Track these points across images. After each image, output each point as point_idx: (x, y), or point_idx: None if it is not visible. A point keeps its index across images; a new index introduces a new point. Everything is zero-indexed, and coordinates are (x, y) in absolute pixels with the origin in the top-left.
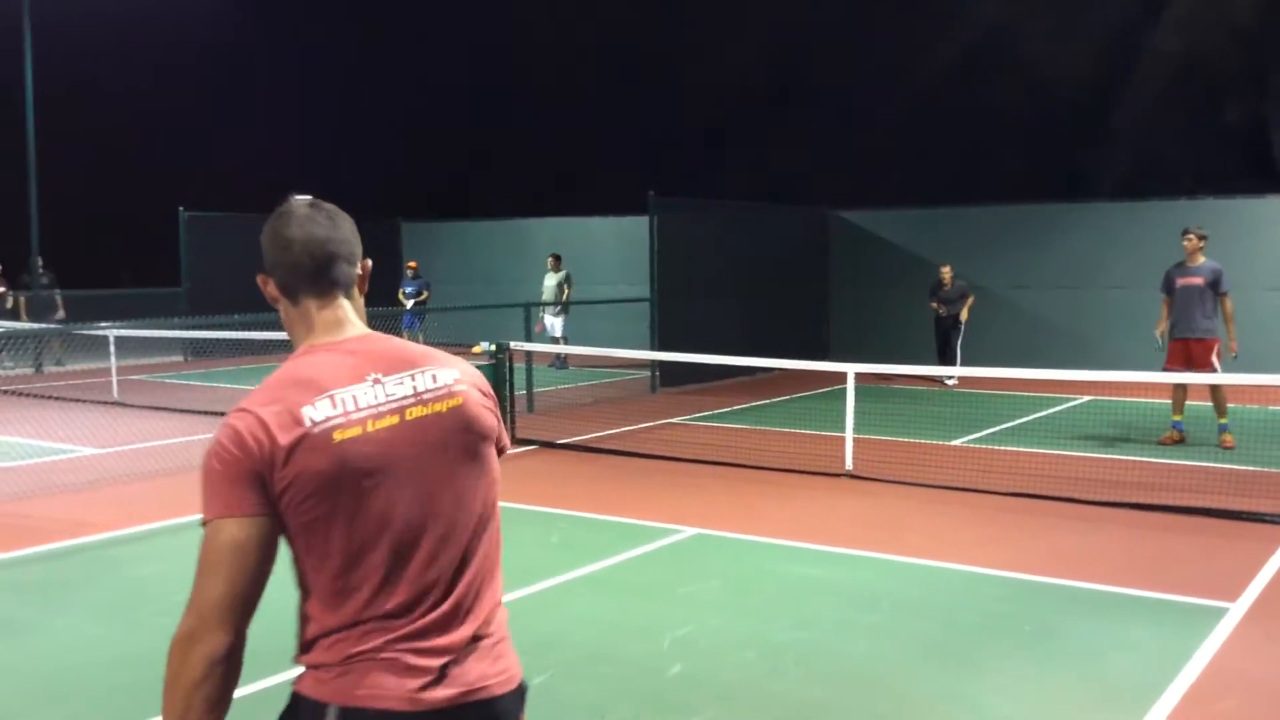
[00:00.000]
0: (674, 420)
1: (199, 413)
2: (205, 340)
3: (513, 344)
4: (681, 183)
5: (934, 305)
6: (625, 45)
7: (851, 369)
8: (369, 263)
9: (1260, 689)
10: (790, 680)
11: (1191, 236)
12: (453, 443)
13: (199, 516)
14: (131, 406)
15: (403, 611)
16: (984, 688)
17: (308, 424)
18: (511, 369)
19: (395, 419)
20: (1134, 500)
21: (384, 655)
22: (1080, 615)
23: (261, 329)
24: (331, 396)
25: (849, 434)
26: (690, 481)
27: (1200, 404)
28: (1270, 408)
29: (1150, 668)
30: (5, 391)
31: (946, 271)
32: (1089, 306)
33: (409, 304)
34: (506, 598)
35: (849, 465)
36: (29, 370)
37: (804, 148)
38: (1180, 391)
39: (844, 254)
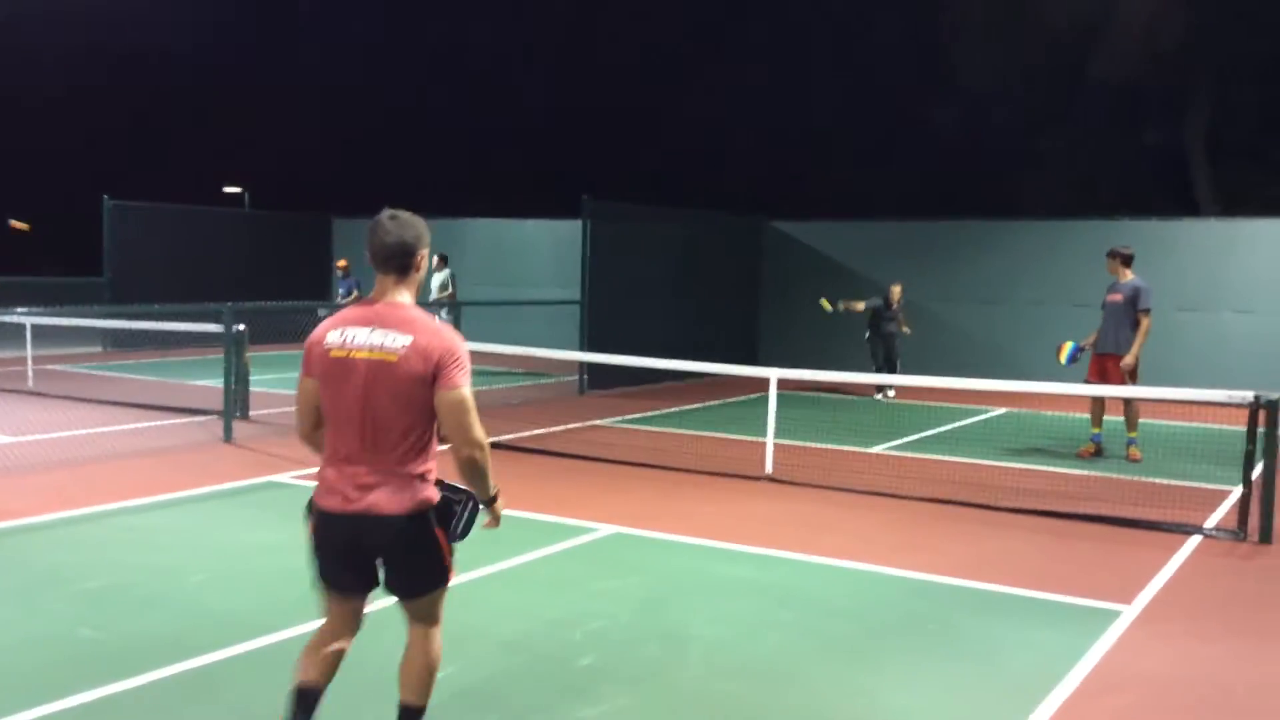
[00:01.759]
0: (600, 422)
1: (117, 404)
2: (125, 331)
3: None
4: (618, 187)
5: (851, 305)
6: (564, 44)
7: (775, 374)
8: (424, 253)
9: (1149, 685)
10: (698, 672)
11: (1115, 257)
12: (379, 377)
13: (116, 505)
14: (47, 396)
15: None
16: (886, 682)
17: (323, 342)
18: None
19: (360, 353)
20: (1043, 508)
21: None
22: (983, 615)
23: (184, 320)
24: (344, 331)
25: (770, 438)
26: (612, 482)
27: (1116, 418)
28: (1179, 423)
29: (1046, 665)
30: None
31: (897, 291)
32: (1008, 320)
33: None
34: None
35: (769, 469)
36: None
37: (742, 156)
38: (1098, 405)
39: (776, 263)
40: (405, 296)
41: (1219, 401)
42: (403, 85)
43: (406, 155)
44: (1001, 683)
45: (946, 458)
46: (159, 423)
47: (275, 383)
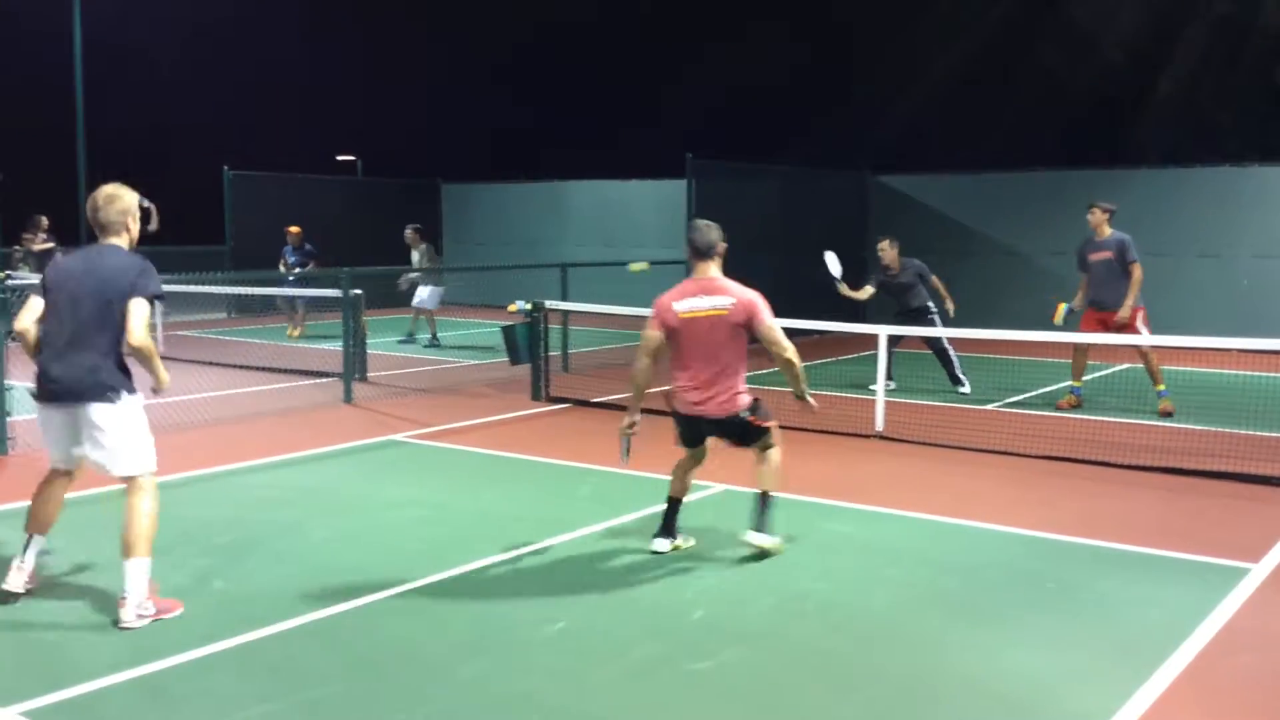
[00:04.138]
0: None
1: (242, 367)
2: (250, 297)
3: (548, 303)
4: (721, 146)
5: (851, 293)
6: (667, 7)
7: (884, 330)
8: (724, 245)
9: (1277, 645)
10: (809, 628)
11: (1096, 210)
12: (719, 324)
13: (246, 464)
14: (178, 360)
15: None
16: (1001, 639)
17: (674, 309)
18: (546, 329)
19: (703, 313)
20: (1163, 464)
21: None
22: (1103, 573)
23: (306, 286)
24: (687, 299)
25: (880, 396)
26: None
27: (1183, 369)
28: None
29: (1169, 623)
30: None
31: (886, 247)
32: None
33: (292, 273)
34: (534, 546)
35: (879, 427)
36: None
37: (846, 111)
38: (1081, 356)
39: (884, 219)
40: (716, 272)
41: None
42: (501, 47)
43: (511, 120)
44: (1122, 641)
45: (1063, 415)
46: (282, 385)
47: (391, 345)
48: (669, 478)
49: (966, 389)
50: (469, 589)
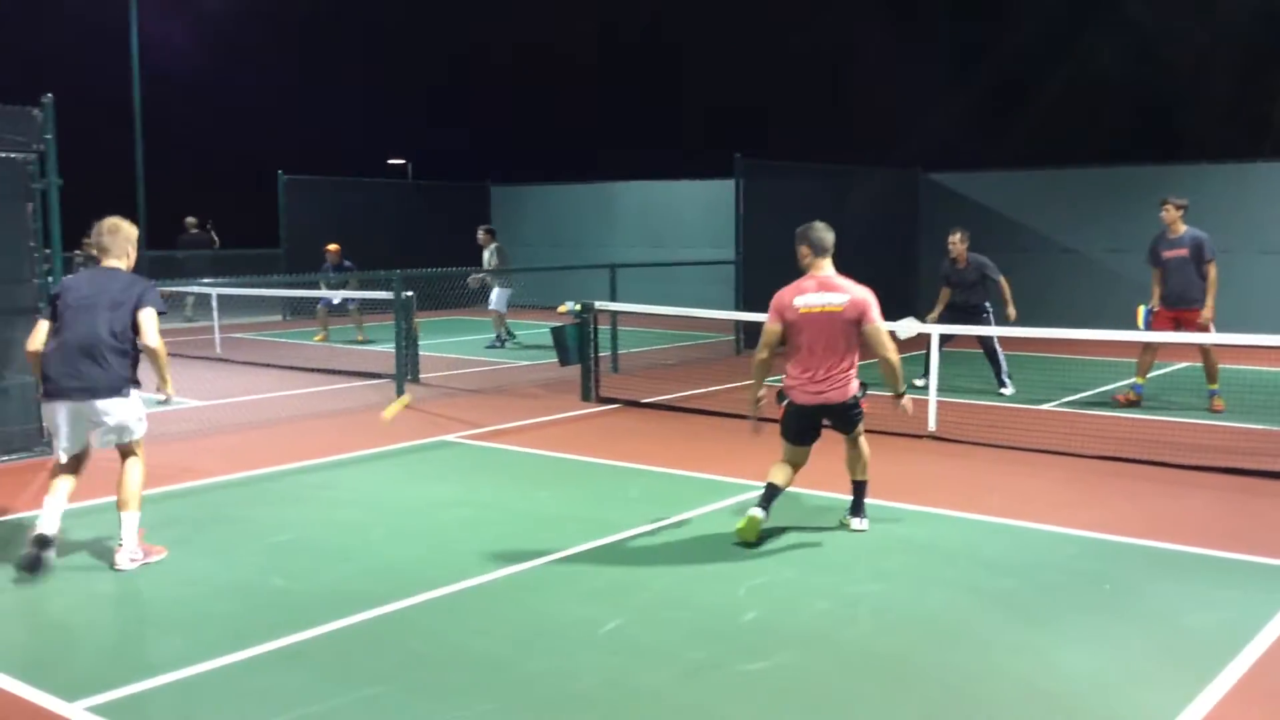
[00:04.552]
0: None
1: (297, 369)
2: (303, 299)
3: (597, 304)
4: (768, 145)
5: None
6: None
7: (936, 330)
8: (803, 249)
9: None
10: (862, 628)
11: (1170, 206)
12: (835, 320)
13: (302, 464)
14: (233, 362)
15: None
16: (1057, 641)
17: (794, 305)
18: (596, 329)
19: (818, 309)
20: (1225, 464)
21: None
22: (1160, 575)
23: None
24: (805, 295)
25: (932, 395)
26: (770, 441)
27: (1245, 367)
28: None
29: (1229, 626)
30: None
31: (956, 241)
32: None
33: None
34: (584, 546)
35: (932, 426)
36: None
37: (889, 105)
38: (1149, 355)
39: (934, 216)
40: (831, 270)
41: None
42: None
43: (557, 122)
44: (1180, 644)
45: (1122, 414)
46: (336, 386)
47: (442, 346)
48: (718, 478)
49: (1009, 391)
50: (521, 589)
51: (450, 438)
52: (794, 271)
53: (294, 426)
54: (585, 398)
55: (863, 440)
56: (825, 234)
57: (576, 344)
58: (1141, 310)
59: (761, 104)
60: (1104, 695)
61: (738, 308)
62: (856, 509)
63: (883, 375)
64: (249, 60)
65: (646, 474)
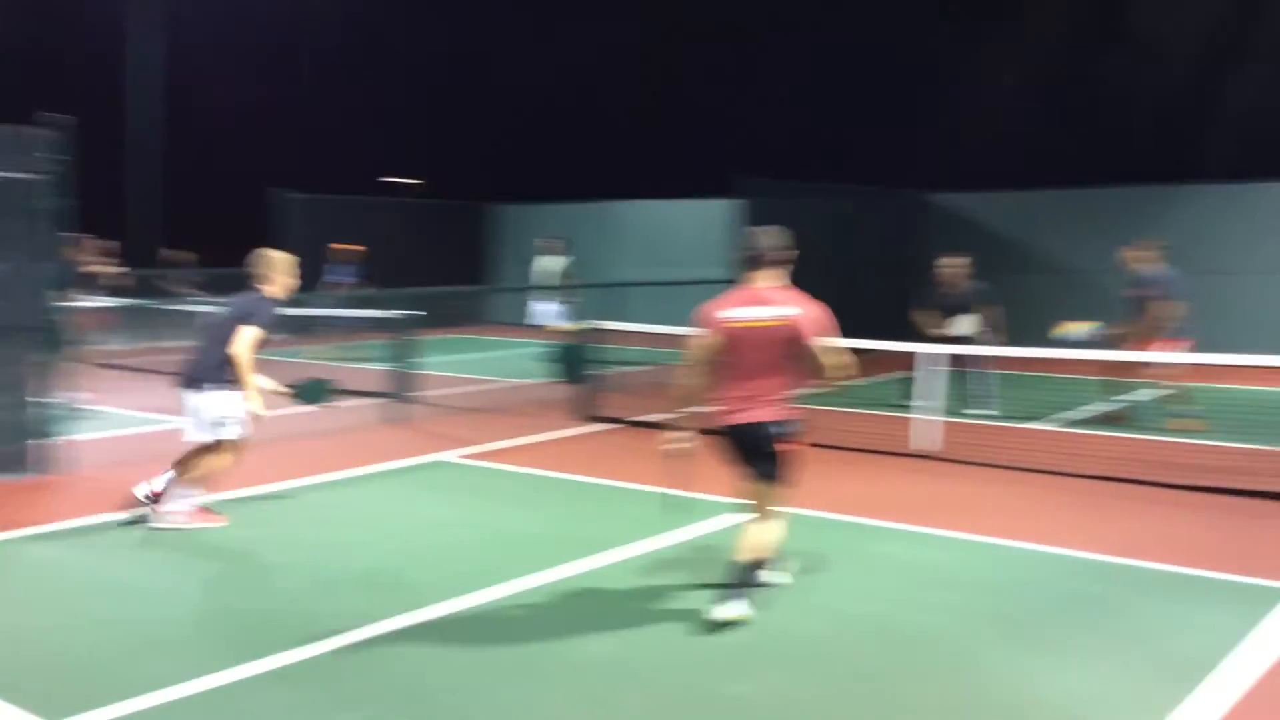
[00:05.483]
0: None
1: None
2: (302, 318)
3: (594, 323)
4: (768, 165)
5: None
6: (710, 27)
7: (942, 350)
8: (795, 252)
9: None
10: (850, 649)
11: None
12: (771, 337)
13: (299, 483)
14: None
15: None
16: (1046, 661)
17: (719, 315)
18: (594, 348)
19: (750, 324)
20: (1217, 484)
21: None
22: (1148, 595)
23: (355, 305)
24: (731, 308)
25: (933, 415)
26: None
27: (1247, 388)
28: None
29: (1212, 645)
30: (114, 366)
31: (948, 266)
32: (1187, 291)
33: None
34: (581, 566)
35: (928, 446)
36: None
37: (898, 128)
38: (1147, 373)
39: (939, 238)
40: (770, 281)
41: None
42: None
43: (560, 142)
44: (1165, 663)
45: (1118, 434)
46: (333, 405)
47: (442, 365)
48: (715, 498)
49: (978, 412)
50: (514, 610)
51: (447, 456)
52: (798, 288)
53: (291, 444)
54: (581, 417)
55: (777, 522)
56: (754, 239)
57: (575, 362)
58: (1087, 327)
59: (762, 122)
60: (1089, 716)
61: None
62: (732, 592)
63: (827, 370)
64: (247, 76)
65: (641, 494)
